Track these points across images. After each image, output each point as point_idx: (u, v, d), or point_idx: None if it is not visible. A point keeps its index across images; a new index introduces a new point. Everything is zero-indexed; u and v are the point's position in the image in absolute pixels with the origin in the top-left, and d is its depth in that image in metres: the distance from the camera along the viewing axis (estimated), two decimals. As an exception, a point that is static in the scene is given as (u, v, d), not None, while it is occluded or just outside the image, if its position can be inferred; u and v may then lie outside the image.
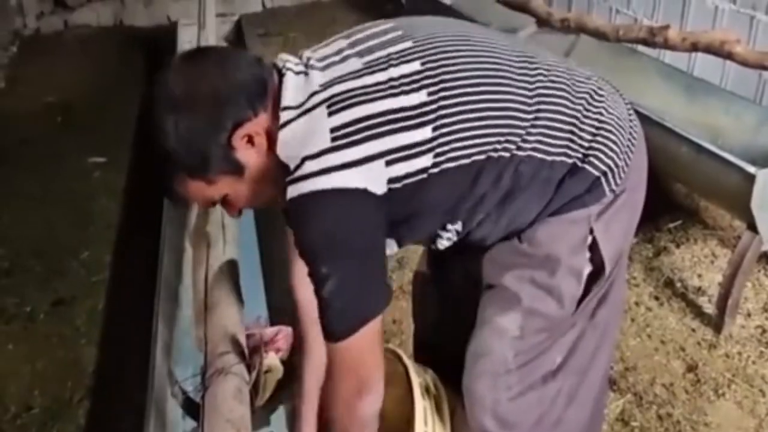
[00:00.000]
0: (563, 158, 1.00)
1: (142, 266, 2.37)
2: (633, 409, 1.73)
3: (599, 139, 1.03)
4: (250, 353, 1.51)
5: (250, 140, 0.95)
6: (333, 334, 0.95)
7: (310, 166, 0.90)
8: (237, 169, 0.96)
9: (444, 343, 1.31)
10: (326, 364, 1.01)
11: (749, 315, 2.04)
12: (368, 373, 0.97)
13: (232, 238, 1.47)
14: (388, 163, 0.92)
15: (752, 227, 1.86)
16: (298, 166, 0.92)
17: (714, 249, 2.34)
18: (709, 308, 2.06)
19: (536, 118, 0.99)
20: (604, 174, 1.03)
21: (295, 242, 0.95)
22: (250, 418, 1.22)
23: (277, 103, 0.96)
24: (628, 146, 1.06)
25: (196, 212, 1.58)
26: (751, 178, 1.77)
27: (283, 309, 1.89)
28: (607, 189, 1.04)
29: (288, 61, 1.01)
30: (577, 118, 1.02)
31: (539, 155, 0.99)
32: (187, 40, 3.58)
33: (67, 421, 1.78)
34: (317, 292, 0.94)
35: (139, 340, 2.03)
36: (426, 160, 0.93)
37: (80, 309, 2.20)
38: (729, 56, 1.99)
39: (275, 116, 0.96)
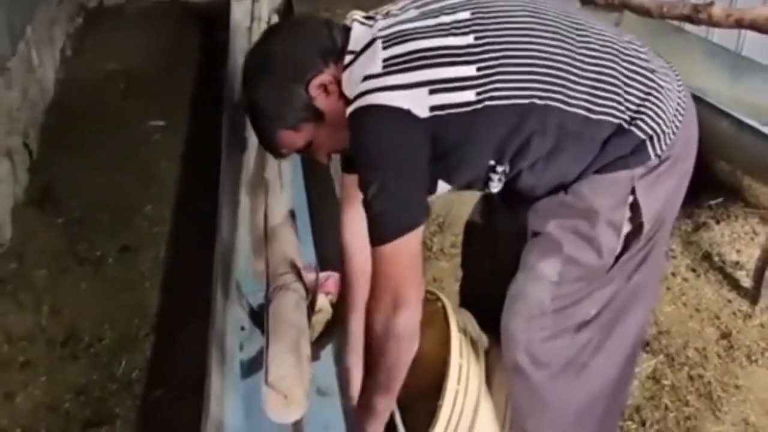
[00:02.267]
0: (609, 118, 1.06)
1: (200, 220, 2.52)
2: (665, 368, 1.80)
3: (647, 104, 1.08)
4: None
5: (325, 89, 1.09)
6: (374, 236, 1.04)
7: (365, 85, 1.03)
8: (317, 115, 1.10)
9: (488, 291, 1.40)
10: (370, 284, 1.11)
11: (785, 290, 2.08)
12: (405, 288, 1.05)
13: (288, 183, 1.56)
14: (432, 92, 1.01)
15: (794, 201, 1.90)
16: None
17: (755, 226, 2.37)
18: (747, 282, 2.10)
19: (582, 77, 1.05)
20: (650, 138, 1.07)
21: (352, 155, 1.08)
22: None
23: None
24: (675, 115, 1.11)
25: (254, 161, 1.70)
26: (792, 152, 1.81)
27: (331, 258, 2.02)
28: (651, 153, 1.08)
29: (356, 14, 1.14)
30: (624, 81, 1.08)
31: (584, 113, 1.04)
32: (239, 15, 3.73)
33: (135, 352, 1.95)
34: (364, 198, 1.04)
35: (198, 286, 2.19)
36: (469, 95, 1.02)
37: (144, 256, 2.36)
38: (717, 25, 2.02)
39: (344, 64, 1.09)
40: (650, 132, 1.08)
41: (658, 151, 1.09)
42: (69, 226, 2.52)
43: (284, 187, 1.38)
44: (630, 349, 1.28)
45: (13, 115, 2.77)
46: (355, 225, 1.26)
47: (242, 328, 1.67)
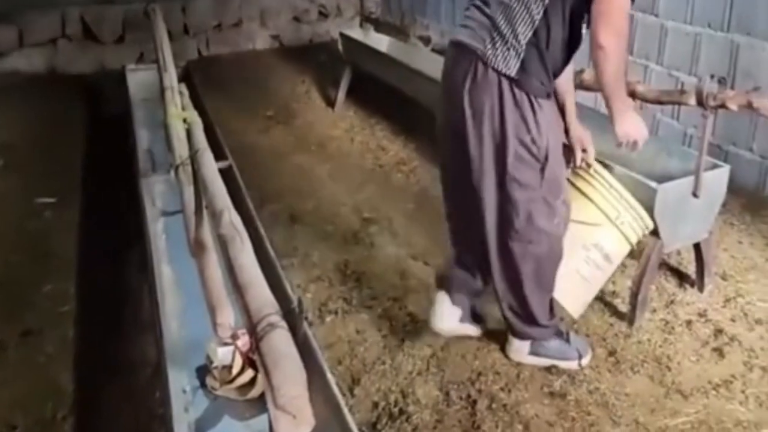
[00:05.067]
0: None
1: (106, 295, 2.48)
2: (568, 386, 2.03)
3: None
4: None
5: None
6: None
7: None
8: None
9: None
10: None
11: (654, 311, 2.41)
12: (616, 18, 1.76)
13: (246, 239, 1.49)
14: None
15: (655, 233, 2.24)
16: None
17: (623, 261, 2.71)
18: (623, 307, 2.41)
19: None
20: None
21: None
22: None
23: None
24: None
25: (194, 225, 1.76)
26: (653, 192, 2.15)
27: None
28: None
29: None
30: None
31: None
32: (134, 86, 3.78)
33: (54, 436, 1.86)
34: None
35: (112, 363, 2.14)
36: None
37: (50, 338, 2.25)
38: (632, 94, 2.39)
39: None
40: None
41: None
42: (-41, 314, 2.36)
43: (244, 242, 1.44)
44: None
45: None
46: None
47: (183, 391, 1.69)
